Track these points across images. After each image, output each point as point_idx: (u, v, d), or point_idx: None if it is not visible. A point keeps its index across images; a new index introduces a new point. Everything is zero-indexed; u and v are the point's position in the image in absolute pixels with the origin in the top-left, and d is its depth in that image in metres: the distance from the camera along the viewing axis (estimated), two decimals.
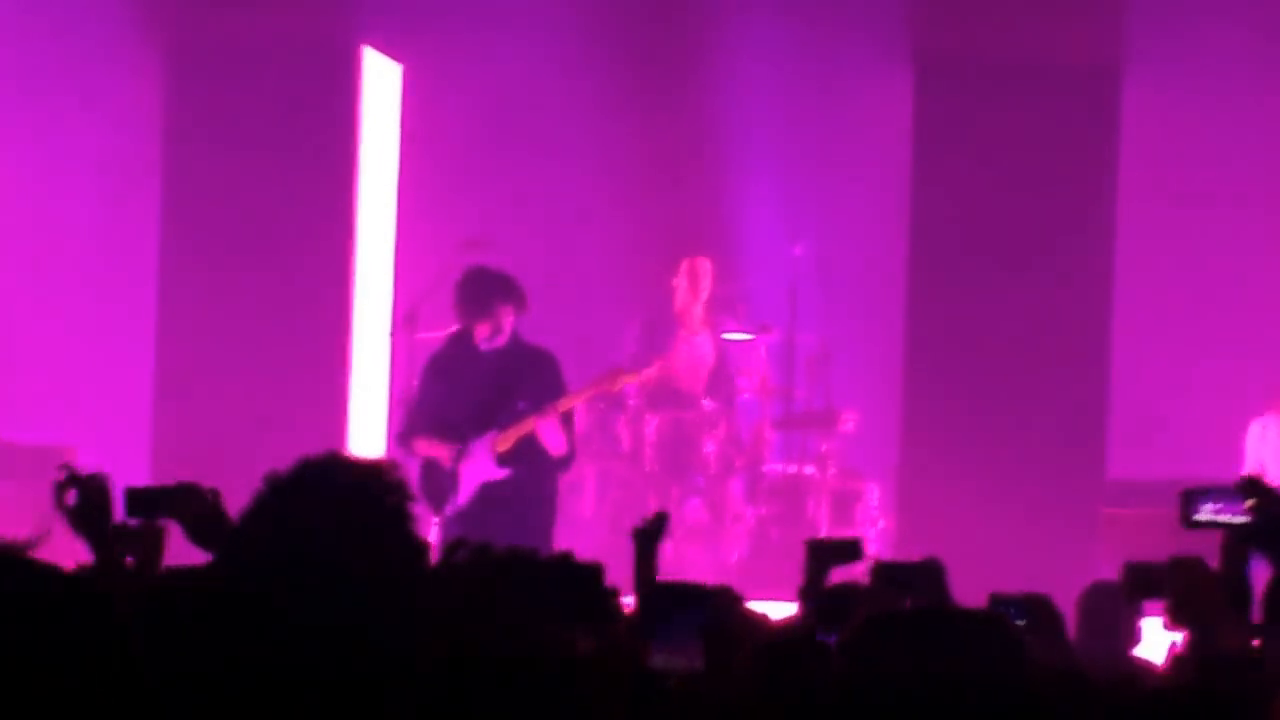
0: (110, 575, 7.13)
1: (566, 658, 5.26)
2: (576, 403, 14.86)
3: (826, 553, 8.52)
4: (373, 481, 4.42)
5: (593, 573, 6.44)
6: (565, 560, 6.98)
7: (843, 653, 5.75)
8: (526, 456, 14.32)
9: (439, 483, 14.06)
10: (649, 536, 8.35)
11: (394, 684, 4.29)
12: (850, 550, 8.68)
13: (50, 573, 3.86)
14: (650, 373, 16.38)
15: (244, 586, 4.29)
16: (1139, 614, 9.88)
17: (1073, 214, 17.07)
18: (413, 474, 12.93)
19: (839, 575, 8.62)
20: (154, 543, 7.27)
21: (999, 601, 7.84)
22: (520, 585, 6.13)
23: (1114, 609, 9.85)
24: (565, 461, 14.53)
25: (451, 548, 6.15)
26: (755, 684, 6.02)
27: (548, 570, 6.45)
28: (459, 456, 14.50)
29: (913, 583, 8.04)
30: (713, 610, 6.98)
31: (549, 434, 14.35)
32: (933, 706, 4.18)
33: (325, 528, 4.27)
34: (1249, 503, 7.21)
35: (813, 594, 8.17)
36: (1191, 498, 7.33)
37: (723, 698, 5.95)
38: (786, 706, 5.21)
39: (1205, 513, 7.28)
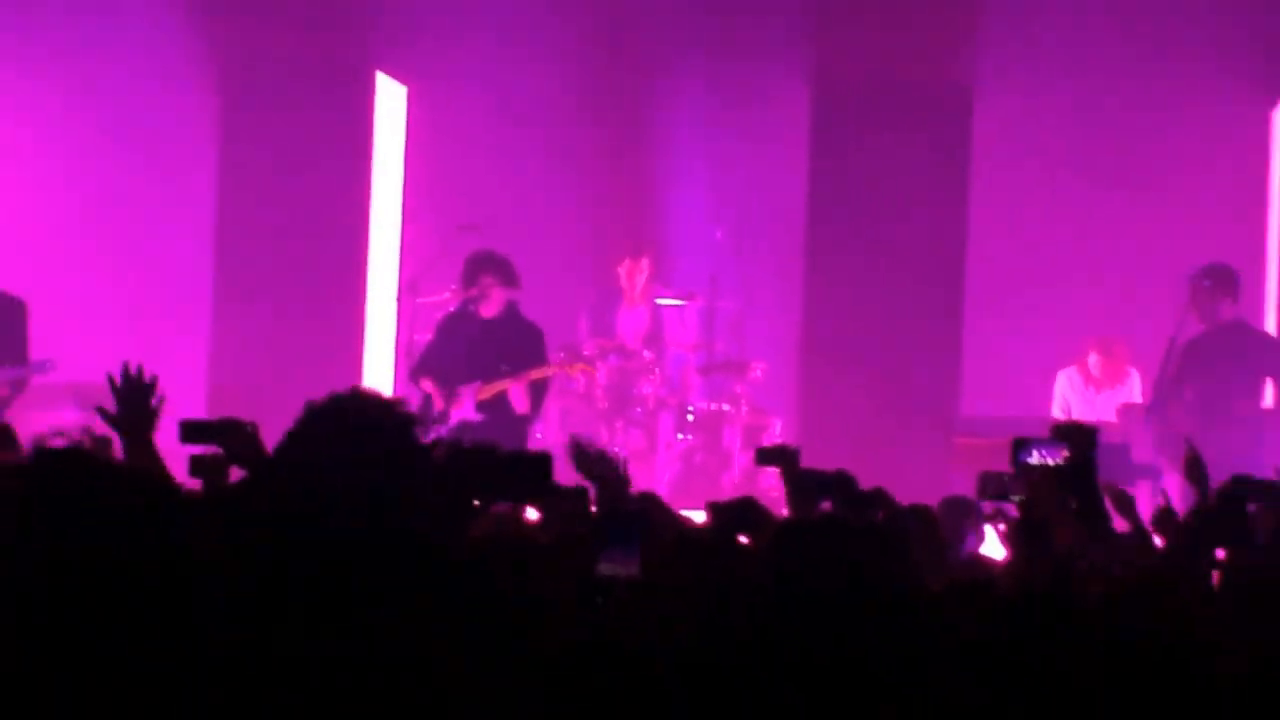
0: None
1: (529, 545, 5.45)
2: (542, 375, 14.89)
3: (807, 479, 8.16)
4: (385, 408, 4.46)
5: (542, 460, 6.35)
6: (519, 454, 6.97)
7: (757, 554, 5.68)
8: (498, 408, 14.54)
9: (430, 416, 14.19)
10: (587, 463, 7.96)
11: (408, 568, 4.24)
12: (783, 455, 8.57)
13: (123, 474, 3.88)
14: (597, 357, 16.55)
15: (289, 489, 4.26)
16: (982, 521, 9.68)
17: (933, 199, 16.99)
18: (412, 406, 13.00)
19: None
20: (221, 469, 7.23)
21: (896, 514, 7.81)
22: (482, 472, 6.05)
23: (963, 517, 9.71)
24: (527, 419, 14.68)
25: (431, 445, 5.85)
26: (675, 576, 5.92)
27: (505, 460, 6.29)
28: (449, 398, 14.65)
29: (824, 489, 7.92)
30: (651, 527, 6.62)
31: (517, 395, 14.59)
32: (833, 603, 4.20)
33: (351, 442, 4.26)
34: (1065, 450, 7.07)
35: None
36: (1020, 445, 7.15)
37: (651, 591, 5.81)
38: (703, 598, 5.18)
39: (1033, 457, 7.07)
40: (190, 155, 18.08)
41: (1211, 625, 5.38)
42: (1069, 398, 16.87)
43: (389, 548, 4.19)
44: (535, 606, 4.99)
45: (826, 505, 7.72)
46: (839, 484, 7.89)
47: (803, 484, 8.03)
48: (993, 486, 7.38)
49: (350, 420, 4.34)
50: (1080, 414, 16.05)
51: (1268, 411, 15.22)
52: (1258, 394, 15.18)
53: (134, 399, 6.96)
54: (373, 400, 4.54)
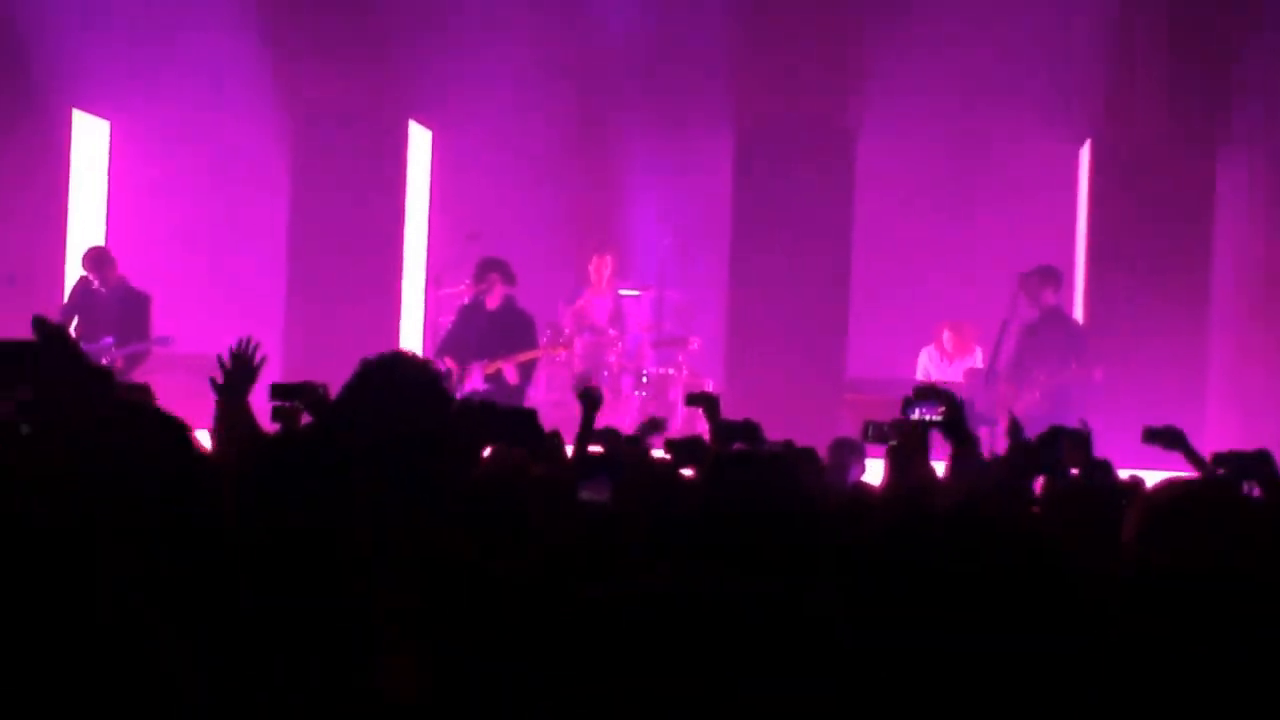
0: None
1: (524, 478, 5.54)
2: (531, 357, 14.93)
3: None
4: (422, 366, 4.47)
5: (531, 414, 6.13)
6: (514, 408, 7.04)
7: (698, 482, 5.57)
8: (498, 380, 14.61)
9: (449, 386, 14.19)
10: (590, 401, 8.07)
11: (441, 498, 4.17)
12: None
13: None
14: (573, 340, 16.55)
15: (349, 430, 4.17)
16: (864, 456, 9.92)
17: (827, 213, 17.00)
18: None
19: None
20: (295, 418, 7.16)
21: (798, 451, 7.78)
22: (484, 421, 5.83)
23: (850, 454, 9.86)
24: (520, 389, 14.62)
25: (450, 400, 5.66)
26: (634, 501, 5.77)
27: (503, 412, 6.14)
28: (462, 371, 14.70)
29: (738, 434, 7.73)
30: (620, 465, 6.56)
31: (509, 370, 14.68)
32: (750, 515, 4.11)
33: (398, 389, 4.21)
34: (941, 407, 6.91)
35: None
36: (907, 402, 6.97)
37: (617, 515, 5.62)
38: (655, 522, 4.92)
39: (916, 412, 6.92)
40: (269, 186, 17.95)
41: (1034, 525, 5.45)
42: (929, 367, 16.76)
43: (426, 472, 4.14)
44: (527, 523, 4.92)
45: (739, 446, 7.50)
46: (746, 430, 7.79)
47: (721, 430, 7.89)
48: (873, 431, 7.35)
49: (397, 372, 4.32)
50: (936, 379, 16.07)
51: (1070, 379, 15.21)
52: (1066, 366, 15.18)
53: (242, 362, 6.84)
54: (413, 359, 4.57)
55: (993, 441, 13.55)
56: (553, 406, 15.71)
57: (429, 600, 3.83)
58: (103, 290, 15.32)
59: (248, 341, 6.91)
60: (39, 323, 5.55)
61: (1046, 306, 15.39)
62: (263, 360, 7.01)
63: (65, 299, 15.82)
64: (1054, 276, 15.51)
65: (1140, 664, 3.65)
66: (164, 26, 17.32)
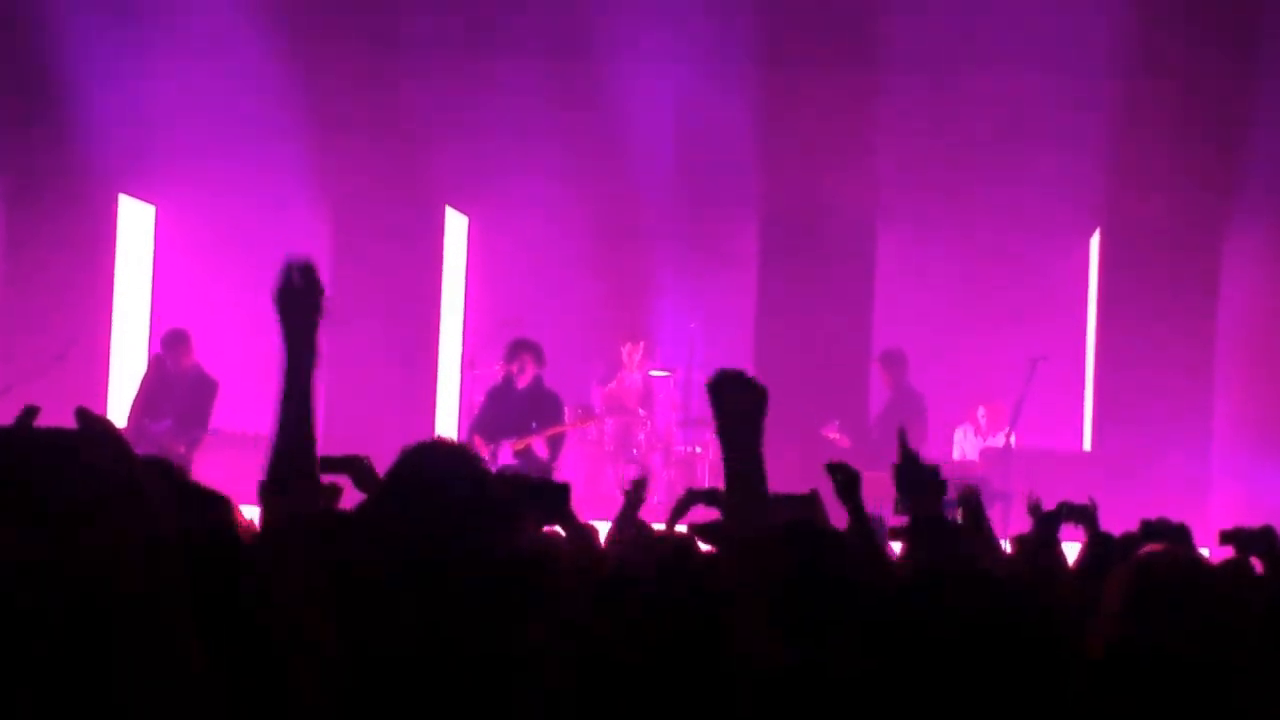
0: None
1: (554, 556, 5.38)
2: (559, 432, 14.88)
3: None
4: (462, 451, 4.35)
5: (563, 488, 6.04)
6: (546, 482, 6.92)
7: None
8: (528, 455, 14.59)
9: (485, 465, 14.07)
10: (634, 497, 7.50)
11: (487, 572, 4.04)
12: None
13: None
14: (601, 417, 16.60)
15: (398, 508, 4.12)
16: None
17: (848, 304, 17.26)
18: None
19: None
20: (335, 494, 6.82)
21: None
22: (517, 494, 5.77)
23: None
24: (549, 464, 14.52)
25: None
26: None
27: (535, 486, 6.08)
28: (495, 448, 14.70)
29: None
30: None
31: (539, 446, 14.68)
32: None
33: (443, 474, 4.14)
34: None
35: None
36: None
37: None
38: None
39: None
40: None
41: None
42: (964, 445, 16.68)
43: (477, 552, 4.07)
44: (556, 598, 4.78)
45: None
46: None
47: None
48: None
49: (439, 457, 4.29)
50: (971, 458, 16.21)
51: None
52: None
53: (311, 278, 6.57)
54: (452, 445, 4.49)
55: (1006, 518, 13.65)
56: (584, 481, 15.76)
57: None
58: (175, 371, 15.41)
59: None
60: (83, 416, 5.45)
61: None
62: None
63: (143, 373, 15.86)
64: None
65: None
66: (209, 114, 17.46)
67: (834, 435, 16.46)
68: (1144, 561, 4.25)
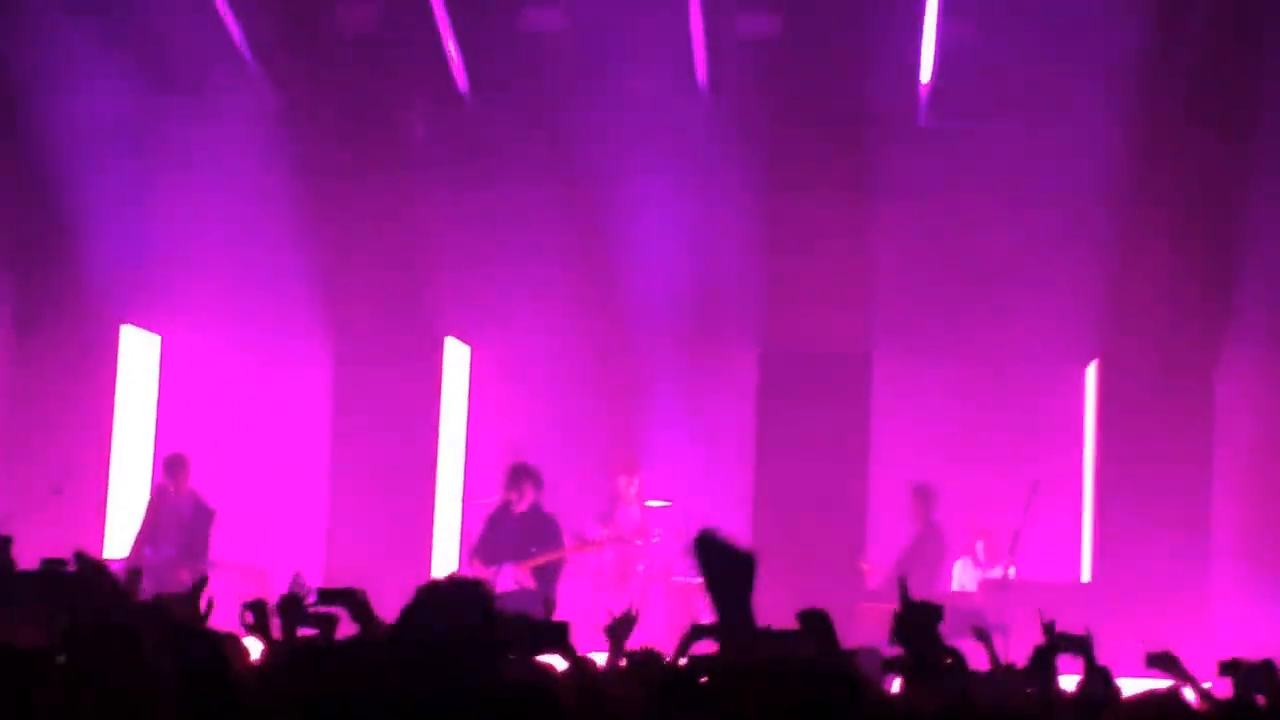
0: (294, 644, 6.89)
1: (550, 688, 5.28)
2: (559, 557, 15.00)
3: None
4: (472, 585, 4.49)
5: (561, 627, 6.18)
6: (545, 621, 7.16)
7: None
8: (540, 575, 14.70)
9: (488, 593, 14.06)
10: (619, 630, 7.68)
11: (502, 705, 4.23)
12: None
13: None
14: (600, 542, 16.67)
15: (413, 644, 4.22)
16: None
17: (844, 437, 17.20)
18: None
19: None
20: (331, 625, 7.22)
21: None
22: (516, 633, 5.88)
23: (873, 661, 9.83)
24: (544, 589, 14.45)
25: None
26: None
27: (534, 625, 6.26)
28: (496, 573, 14.76)
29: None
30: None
31: (537, 575, 14.74)
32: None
33: (457, 607, 4.26)
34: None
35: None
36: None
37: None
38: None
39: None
40: (312, 406, 18.12)
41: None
42: (963, 579, 16.64)
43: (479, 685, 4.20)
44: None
45: None
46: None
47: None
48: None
49: (452, 590, 4.42)
50: (971, 589, 16.19)
51: None
52: None
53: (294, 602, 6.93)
54: (463, 579, 4.62)
55: (1005, 650, 13.52)
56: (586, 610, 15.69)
57: None
58: (175, 499, 15.32)
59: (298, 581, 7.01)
60: (81, 559, 5.35)
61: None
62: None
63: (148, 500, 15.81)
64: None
65: None
66: (212, 246, 17.61)
67: (867, 568, 16.44)
68: (1135, 704, 4.22)
